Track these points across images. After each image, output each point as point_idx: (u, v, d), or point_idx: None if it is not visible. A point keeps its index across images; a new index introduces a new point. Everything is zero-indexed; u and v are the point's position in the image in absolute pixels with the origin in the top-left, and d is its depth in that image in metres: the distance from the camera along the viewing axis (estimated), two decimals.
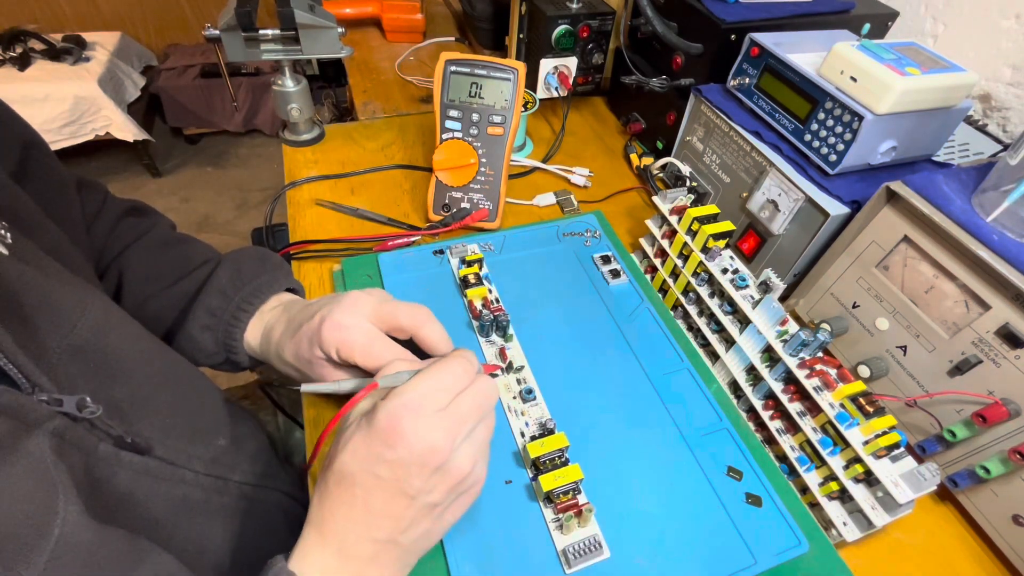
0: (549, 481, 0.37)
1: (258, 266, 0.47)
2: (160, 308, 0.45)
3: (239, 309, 0.44)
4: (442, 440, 0.30)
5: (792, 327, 0.42)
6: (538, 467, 0.39)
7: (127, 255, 0.47)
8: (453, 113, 0.60)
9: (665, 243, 0.54)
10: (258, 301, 0.45)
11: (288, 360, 0.42)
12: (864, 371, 0.47)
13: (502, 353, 0.47)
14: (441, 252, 0.56)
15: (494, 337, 0.49)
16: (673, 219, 0.52)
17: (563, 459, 0.39)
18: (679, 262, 0.52)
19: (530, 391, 0.44)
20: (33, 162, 0.38)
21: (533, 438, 0.41)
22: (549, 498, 0.38)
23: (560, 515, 0.37)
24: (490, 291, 0.51)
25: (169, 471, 0.34)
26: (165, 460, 0.34)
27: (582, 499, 0.38)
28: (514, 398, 0.45)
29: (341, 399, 0.44)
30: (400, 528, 0.31)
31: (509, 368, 0.47)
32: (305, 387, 0.37)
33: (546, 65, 0.74)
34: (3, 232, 0.30)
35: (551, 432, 0.40)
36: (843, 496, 0.41)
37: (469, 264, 0.53)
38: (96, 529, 0.26)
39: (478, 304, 0.49)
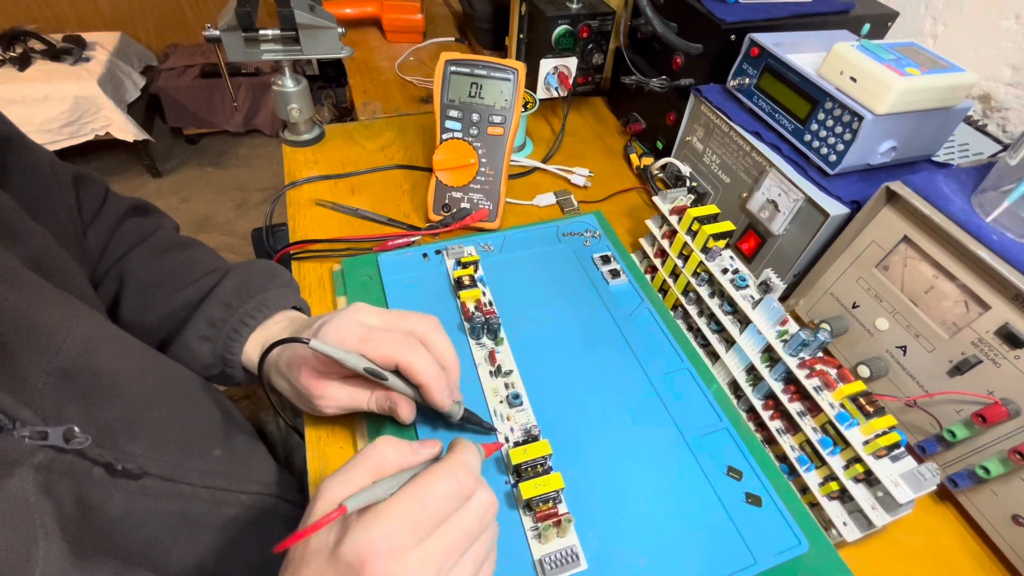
0: (529, 489, 0.37)
1: (266, 281, 0.46)
2: (160, 316, 0.44)
3: (241, 323, 0.43)
4: None
5: (792, 327, 0.42)
6: (519, 473, 0.39)
7: (129, 259, 0.45)
8: (453, 113, 0.60)
9: (665, 243, 0.54)
10: (261, 316, 0.44)
11: (282, 370, 0.40)
12: (864, 371, 0.47)
13: (491, 356, 0.47)
14: (440, 252, 0.56)
15: (485, 340, 0.49)
16: (673, 219, 0.52)
17: (545, 467, 0.39)
18: (679, 262, 0.52)
19: (517, 396, 0.44)
20: (12, 160, 0.36)
21: (517, 444, 0.40)
22: (529, 506, 0.38)
23: (539, 524, 0.36)
24: (484, 293, 0.51)
25: (166, 488, 0.33)
26: (161, 476, 0.33)
27: (562, 508, 0.38)
28: (501, 402, 0.44)
29: (343, 414, 0.42)
30: None
31: (498, 372, 0.46)
32: (314, 343, 0.33)
33: (546, 65, 0.74)
34: None
35: (535, 439, 0.40)
36: (843, 496, 0.41)
37: (464, 266, 0.53)
38: (80, 570, 0.25)
39: (471, 306, 0.49)
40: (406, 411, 0.38)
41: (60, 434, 0.26)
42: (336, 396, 0.38)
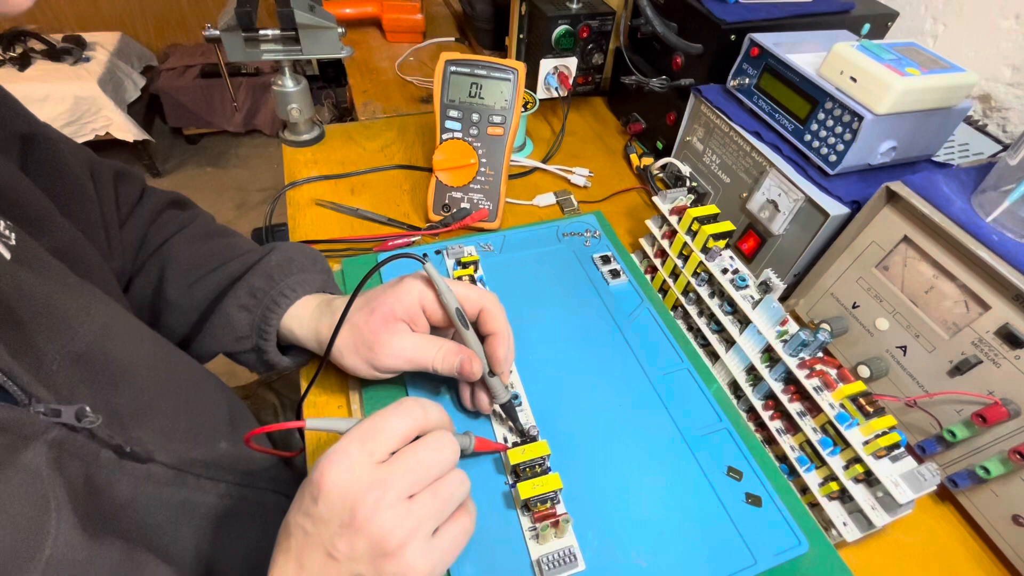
0: (527, 489, 0.36)
1: (309, 263, 0.47)
2: (203, 291, 0.45)
3: (281, 295, 0.43)
4: (360, 496, 0.26)
5: (792, 327, 0.42)
6: (518, 474, 0.39)
7: (170, 245, 0.47)
8: (453, 113, 0.60)
9: (665, 243, 0.54)
10: (302, 291, 0.44)
11: (352, 314, 0.40)
12: (864, 371, 0.47)
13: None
14: (440, 252, 0.56)
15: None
16: (673, 219, 0.52)
17: (543, 467, 0.39)
18: (679, 262, 0.52)
19: (516, 396, 0.44)
20: (35, 157, 0.37)
21: (515, 444, 0.40)
22: (527, 506, 0.38)
23: (537, 524, 0.36)
24: None
25: (171, 476, 0.34)
26: (167, 464, 0.34)
27: (560, 509, 0.38)
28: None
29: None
30: None
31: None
32: (428, 265, 0.38)
33: (546, 65, 0.74)
34: (7, 233, 0.29)
35: (534, 439, 0.40)
36: (843, 496, 0.41)
37: (464, 266, 0.53)
38: (89, 545, 0.26)
39: None
40: (477, 367, 0.39)
41: (72, 413, 0.27)
42: (402, 346, 0.39)
